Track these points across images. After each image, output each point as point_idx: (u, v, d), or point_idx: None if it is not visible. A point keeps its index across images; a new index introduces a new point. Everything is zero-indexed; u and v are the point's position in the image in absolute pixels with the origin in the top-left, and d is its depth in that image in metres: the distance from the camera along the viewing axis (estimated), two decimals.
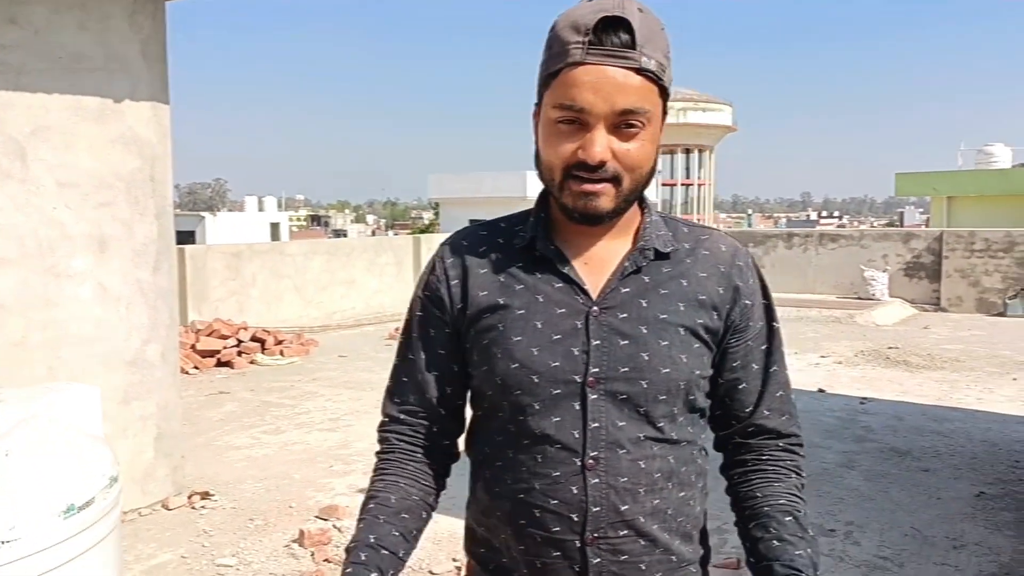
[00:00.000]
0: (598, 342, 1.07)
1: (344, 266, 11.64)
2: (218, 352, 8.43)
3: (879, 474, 4.87)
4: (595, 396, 1.06)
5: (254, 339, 8.91)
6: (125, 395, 4.18)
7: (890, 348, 9.16)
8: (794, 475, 1.18)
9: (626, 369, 1.06)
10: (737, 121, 58.03)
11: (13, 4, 3.74)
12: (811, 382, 7.41)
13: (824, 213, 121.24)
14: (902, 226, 40.49)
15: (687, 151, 56.78)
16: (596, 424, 1.06)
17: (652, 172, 1.07)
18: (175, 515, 4.21)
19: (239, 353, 8.56)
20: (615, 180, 1.03)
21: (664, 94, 1.05)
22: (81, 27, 3.98)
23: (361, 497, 1.19)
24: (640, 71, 1.01)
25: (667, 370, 1.07)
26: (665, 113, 1.08)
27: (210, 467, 5.06)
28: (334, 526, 4.05)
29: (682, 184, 58.08)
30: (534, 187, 25.84)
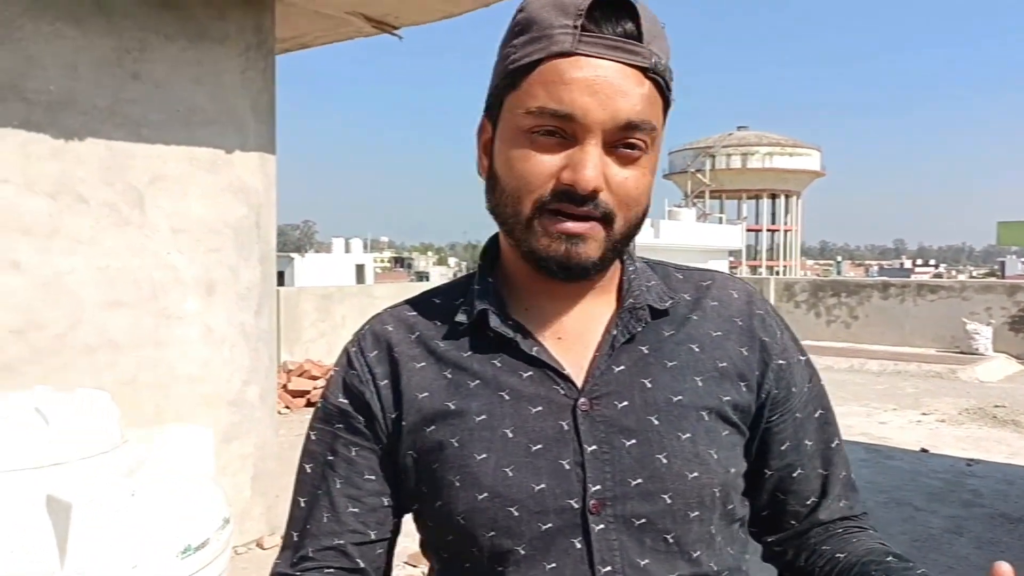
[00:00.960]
0: (595, 447, 0.76)
1: None
2: (308, 392, 8.64)
3: (989, 542, 4.60)
4: (602, 526, 0.75)
5: None
6: (226, 434, 4.31)
7: (996, 407, 8.70)
8: (873, 531, 0.90)
9: (639, 481, 0.75)
10: (826, 166, 56.75)
11: (137, 61, 3.98)
12: (913, 441, 7.08)
13: (919, 261, 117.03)
14: (1003, 276, 38.77)
15: (773, 196, 55.96)
16: (608, 568, 0.75)
17: (646, 213, 0.80)
18: (270, 554, 4.29)
19: None
20: (606, 219, 0.76)
21: (666, 110, 0.79)
22: (197, 82, 4.20)
23: None
24: (648, 72, 0.74)
25: (695, 474, 0.76)
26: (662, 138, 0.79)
27: None
28: (423, 573, 4.06)
29: (767, 230, 57.13)
30: None
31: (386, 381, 0.83)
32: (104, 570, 1.72)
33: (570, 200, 0.74)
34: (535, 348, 0.80)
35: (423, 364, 0.82)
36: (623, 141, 0.74)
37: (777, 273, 51.85)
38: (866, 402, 9.03)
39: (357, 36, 5.31)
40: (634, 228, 0.79)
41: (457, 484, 0.77)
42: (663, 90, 0.77)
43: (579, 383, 0.79)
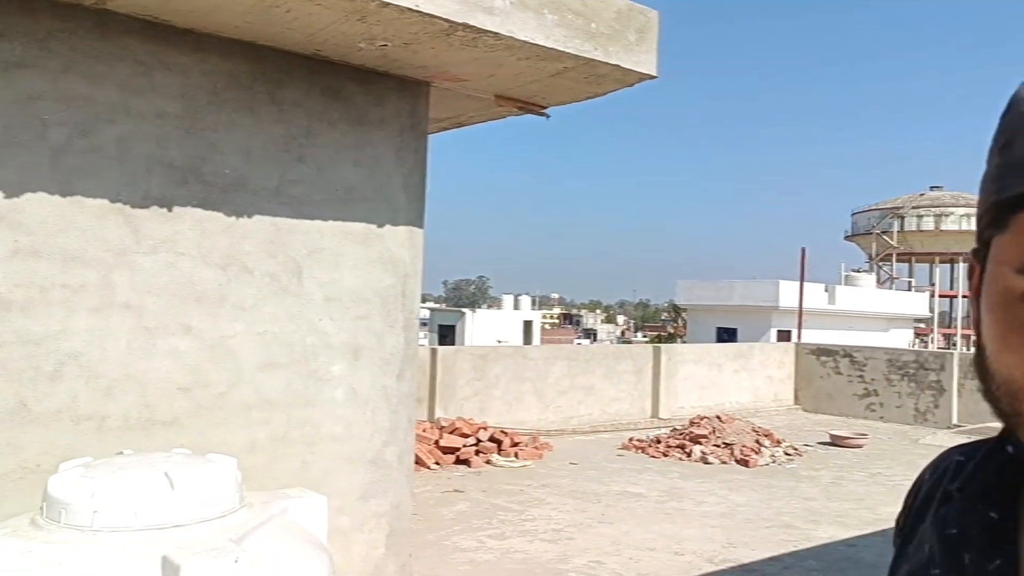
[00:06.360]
0: None
1: (583, 372, 11.85)
2: (458, 450, 8.88)
3: None
4: None
5: (492, 439, 9.28)
6: (364, 492, 4.55)
7: None
8: None
9: None
10: None
11: (303, 146, 4.39)
12: None
13: None
14: None
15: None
16: None
17: None
18: None
19: (477, 452, 8.95)
20: None
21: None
22: (354, 163, 4.57)
23: None
24: None
25: None
26: None
27: (436, 567, 5.29)
28: None
29: (964, 296, 52.93)
30: (787, 297, 24.87)
31: (902, 523, 0.80)
32: None
33: None
34: (994, 560, 0.62)
35: (924, 523, 0.73)
36: None
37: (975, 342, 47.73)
38: None
39: (508, 116, 5.57)
40: None
41: None
42: None
43: None
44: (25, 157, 3.57)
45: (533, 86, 4.94)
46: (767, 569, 5.49)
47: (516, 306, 53.90)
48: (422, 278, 5.02)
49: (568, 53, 4.40)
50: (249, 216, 4.24)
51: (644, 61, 4.77)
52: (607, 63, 4.55)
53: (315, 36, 4.13)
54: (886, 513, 7.00)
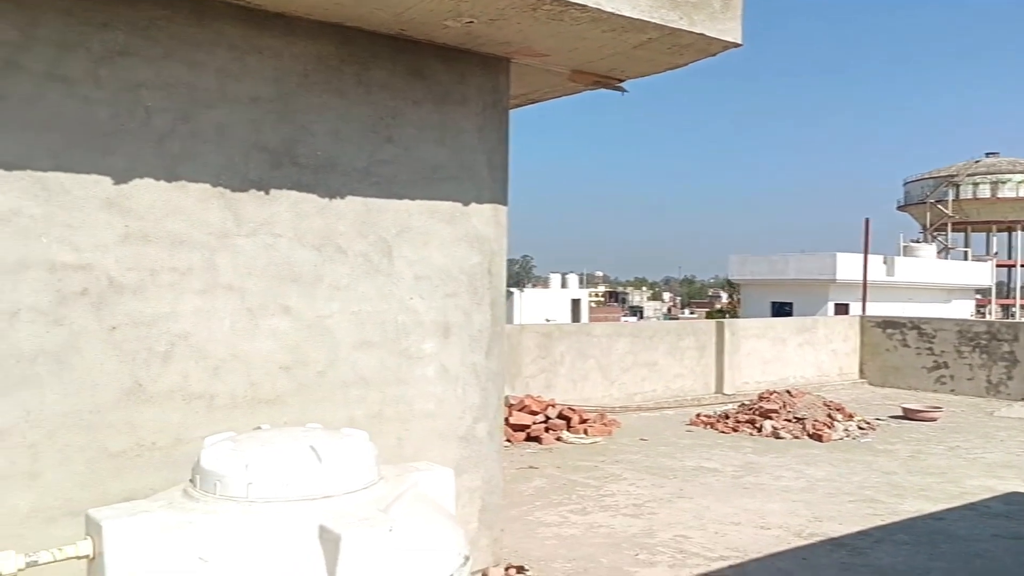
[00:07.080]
0: None
1: (646, 348, 11.80)
2: (528, 427, 8.92)
3: None
4: None
5: (560, 416, 9.30)
6: (457, 468, 4.59)
7: None
8: None
9: None
10: None
11: (390, 126, 4.42)
12: None
13: None
14: None
15: None
16: None
17: None
18: None
19: (546, 429, 8.98)
20: None
21: None
22: (439, 142, 4.58)
23: None
24: None
25: None
26: None
27: (523, 541, 5.34)
28: None
29: (1021, 265, 51.32)
30: (845, 269, 24.37)
31: None
32: None
33: None
34: None
35: None
36: None
37: None
38: None
39: (584, 91, 5.53)
40: None
41: None
42: None
43: None
44: (132, 144, 3.63)
45: (614, 59, 4.87)
46: (858, 543, 5.42)
47: (564, 284, 53.84)
48: (506, 256, 5.03)
49: (653, 23, 4.33)
50: (341, 197, 4.27)
51: (729, 29, 4.67)
52: (692, 32, 4.47)
53: (402, 15, 4.12)
54: (971, 487, 6.85)
